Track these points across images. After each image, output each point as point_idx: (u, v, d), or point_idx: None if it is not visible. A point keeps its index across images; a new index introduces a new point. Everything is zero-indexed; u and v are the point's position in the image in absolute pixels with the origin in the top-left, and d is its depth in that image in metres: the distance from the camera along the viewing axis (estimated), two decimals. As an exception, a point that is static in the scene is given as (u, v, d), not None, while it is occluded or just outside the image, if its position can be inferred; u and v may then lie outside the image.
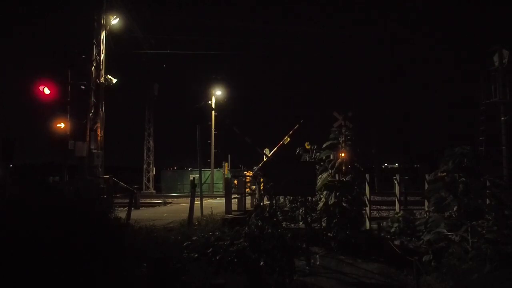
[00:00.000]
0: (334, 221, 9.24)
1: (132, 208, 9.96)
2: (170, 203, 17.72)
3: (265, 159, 18.15)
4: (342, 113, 9.93)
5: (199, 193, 10.86)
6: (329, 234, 9.24)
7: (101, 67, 16.39)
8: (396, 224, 9.78)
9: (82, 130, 15.67)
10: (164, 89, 37.12)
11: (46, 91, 13.75)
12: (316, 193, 9.81)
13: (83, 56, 15.82)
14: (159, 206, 16.66)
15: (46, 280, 4.14)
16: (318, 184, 9.59)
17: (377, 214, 13.81)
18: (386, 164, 50.27)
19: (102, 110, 16.29)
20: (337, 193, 9.32)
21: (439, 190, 7.49)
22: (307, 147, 11.70)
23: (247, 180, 13.97)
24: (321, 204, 9.64)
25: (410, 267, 7.14)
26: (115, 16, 16.62)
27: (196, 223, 9.27)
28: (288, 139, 11.38)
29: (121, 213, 8.18)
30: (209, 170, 29.07)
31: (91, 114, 15.83)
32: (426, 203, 9.61)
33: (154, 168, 30.68)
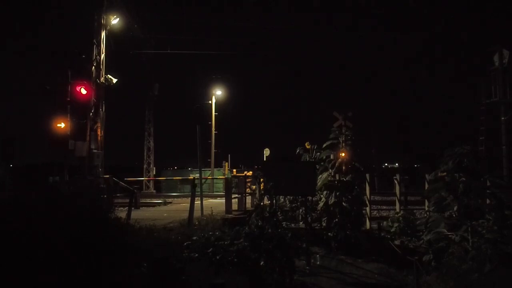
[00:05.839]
0: (335, 221, 9.23)
1: (133, 208, 9.97)
2: (170, 203, 17.72)
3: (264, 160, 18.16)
4: (342, 113, 9.93)
5: (199, 193, 10.87)
6: (329, 234, 9.24)
7: (101, 67, 16.42)
8: (396, 224, 9.77)
9: (82, 130, 15.70)
10: (164, 89, 37.16)
11: (48, 90, 13.78)
12: (316, 193, 9.80)
13: (83, 56, 15.86)
14: (159, 206, 16.66)
15: (46, 280, 4.14)
16: (318, 184, 9.59)
17: (377, 214, 13.82)
18: (386, 164, 50.28)
19: (102, 110, 16.32)
20: (337, 193, 9.32)
21: (439, 190, 7.48)
22: (307, 147, 11.69)
23: (247, 180, 13.97)
24: (321, 204, 9.64)
25: (410, 267, 7.14)
26: (115, 16, 16.65)
27: (196, 223, 9.28)
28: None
29: (121, 213, 8.18)
30: (209, 170, 29.09)
31: (91, 114, 15.85)
32: (426, 203, 9.60)
33: (154, 168, 30.68)
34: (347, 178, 9.56)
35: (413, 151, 42.69)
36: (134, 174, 26.70)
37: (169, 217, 10.52)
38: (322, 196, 9.71)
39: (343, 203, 9.27)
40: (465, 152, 7.06)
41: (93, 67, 16.02)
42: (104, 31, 16.45)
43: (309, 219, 9.80)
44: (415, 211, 11.41)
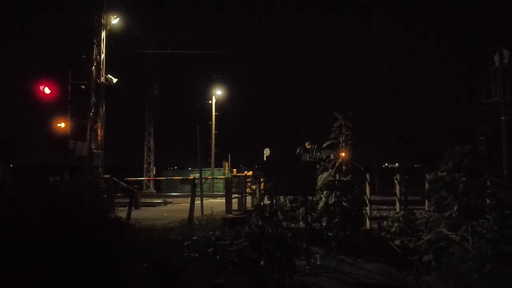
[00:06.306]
0: (335, 220, 9.23)
1: (133, 208, 9.97)
2: (171, 202, 17.73)
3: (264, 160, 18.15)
4: (342, 113, 9.93)
5: (199, 193, 10.87)
6: (329, 233, 9.23)
7: (101, 67, 16.42)
8: (396, 224, 9.77)
9: (82, 130, 15.70)
10: (164, 89, 37.17)
11: (47, 90, 13.79)
12: (317, 193, 9.80)
13: (83, 56, 15.88)
14: (159, 205, 16.66)
15: (46, 280, 4.14)
16: (319, 183, 9.59)
17: (377, 214, 13.81)
18: (386, 164, 50.35)
19: (102, 110, 16.32)
20: (338, 193, 9.32)
21: (439, 190, 7.48)
22: (307, 146, 11.69)
23: (247, 180, 13.97)
24: (321, 204, 9.64)
25: (410, 267, 7.14)
26: (115, 16, 16.66)
27: (197, 223, 9.28)
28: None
29: (122, 212, 8.18)
30: (210, 170, 29.10)
31: (91, 113, 15.85)
32: (427, 203, 9.60)
33: (154, 168, 30.69)
34: (347, 178, 9.56)
35: (413, 151, 42.74)
36: (134, 174, 26.72)
37: (169, 217, 10.52)
38: (322, 196, 9.71)
39: (343, 203, 9.27)
40: (465, 152, 7.06)
41: (93, 67, 16.02)
42: (104, 31, 16.45)
43: (309, 219, 9.80)
44: (415, 211, 11.41)
